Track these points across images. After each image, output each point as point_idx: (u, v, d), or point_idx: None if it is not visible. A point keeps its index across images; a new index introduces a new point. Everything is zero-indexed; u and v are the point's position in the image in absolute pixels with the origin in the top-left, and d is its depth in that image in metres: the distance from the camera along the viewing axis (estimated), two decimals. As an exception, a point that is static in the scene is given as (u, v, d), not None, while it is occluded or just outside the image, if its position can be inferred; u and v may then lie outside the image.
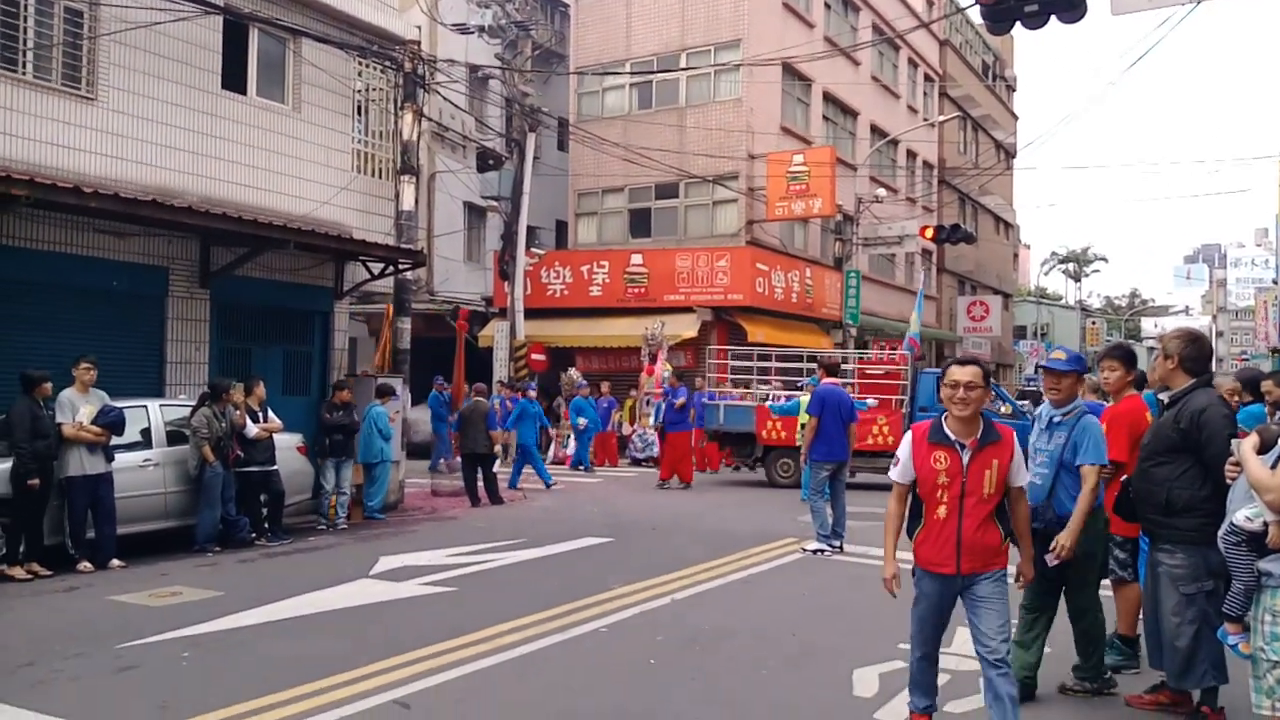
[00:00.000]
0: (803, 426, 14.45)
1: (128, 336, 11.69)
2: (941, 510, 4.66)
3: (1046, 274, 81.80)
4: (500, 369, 22.38)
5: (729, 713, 5.54)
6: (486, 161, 24.48)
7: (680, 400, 17.77)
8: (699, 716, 5.49)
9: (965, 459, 4.62)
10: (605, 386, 21.74)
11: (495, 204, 23.11)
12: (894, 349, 21.12)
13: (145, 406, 10.68)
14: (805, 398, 15.79)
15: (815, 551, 10.60)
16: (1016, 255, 57.52)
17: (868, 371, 18.07)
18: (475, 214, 26.91)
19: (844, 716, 5.53)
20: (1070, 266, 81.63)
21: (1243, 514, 4.35)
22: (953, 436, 4.65)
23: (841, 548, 10.74)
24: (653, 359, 22.07)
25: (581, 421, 20.05)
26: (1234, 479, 4.62)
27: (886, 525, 4.93)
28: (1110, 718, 5.55)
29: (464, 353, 18.49)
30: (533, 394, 18.05)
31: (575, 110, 27.49)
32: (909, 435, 4.87)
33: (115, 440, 9.80)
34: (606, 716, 5.44)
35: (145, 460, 10.42)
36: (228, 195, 12.41)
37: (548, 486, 16.54)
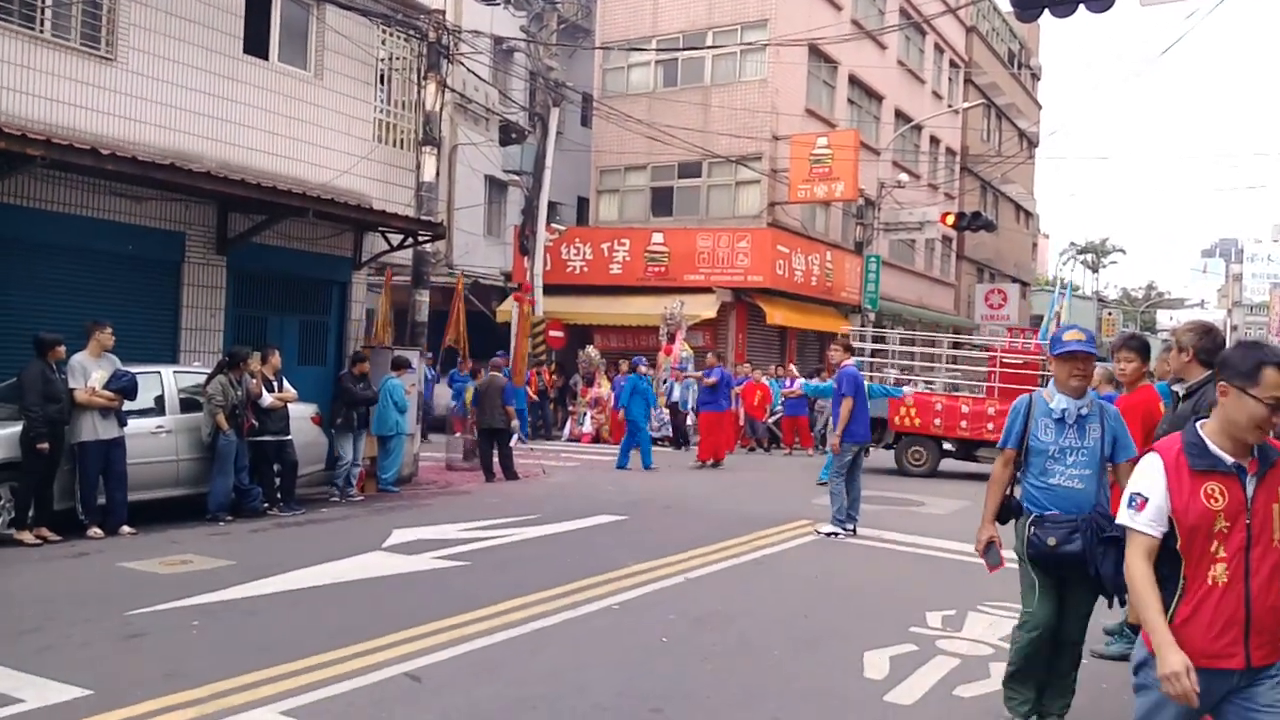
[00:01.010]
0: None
1: (142, 302, 11.61)
2: (1219, 571, 3.11)
3: (1065, 264, 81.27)
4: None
5: (740, 693, 5.47)
6: (509, 135, 24.32)
7: (712, 380, 17.71)
8: (710, 696, 5.41)
9: (1249, 490, 3.15)
10: (624, 366, 21.60)
11: (517, 178, 22.95)
12: (1029, 337, 20.37)
13: (159, 373, 10.61)
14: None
15: (829, 534, 10.51)
16: (1035, 244, 57.06)
17: (1005, 360, 17.36)
18: (496, 188, 26.79)
19: (854, 699, 5.47)
20: (1088, 257, 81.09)
21: None
22: (1230, 459, 3.18)
23: (855, 531, 10.64)
24: (671, 339, 21.95)
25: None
26: None
27: (1141, 598, 3.18)
28: (1123, 705, 5.42)
29: (525, 326, 18.47)
30: (643, 369, 18.26)
31: (600, 86, 27.30)
32: (1155, 462, 3.26)
33: (128, 406, 9.73)
34: (618, 694, 5.36)
35: (158, 427, 10.37)
36: (246, 161, 12.31)
37: (646, 468, 16.40)
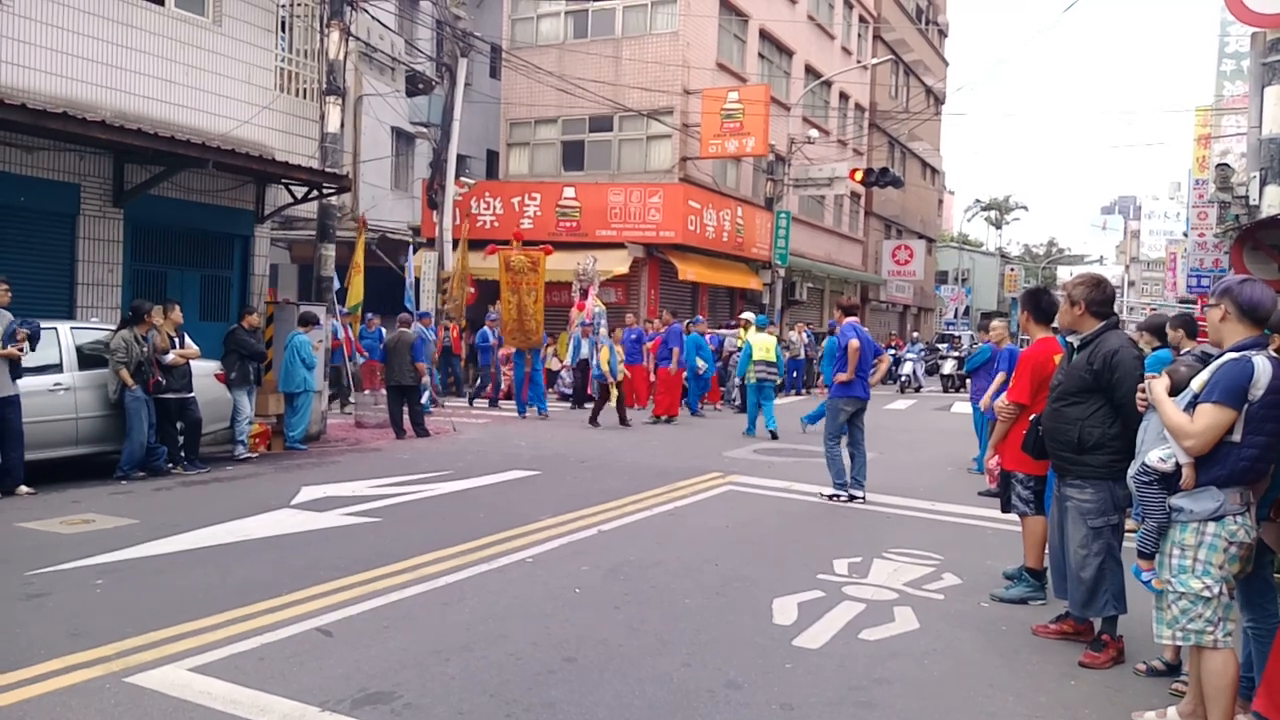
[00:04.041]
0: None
1: (36, 256, 11.23)
2: None
3: (969, 220, 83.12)
4: (427, 300, 22.05)
5: (653, 641, 5.57)
6: (416, 86, 23.83)
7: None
8: (624, 644, 5.51)
9: None
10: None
11: (424, 130, 22.58)
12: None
13: (55, 329, 10.27)
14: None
15: (831, 497, 10.21)
16: (941, 201, 58.22)
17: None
18: (403, 140, 26.32)
19: (764, 643, 5.60)
20: (992, 214, 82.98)
21: (1156, 455, 4.42)
22: None
23: (865, 498, 10.21)
24: (584, 295, 21.88)
25: (701, 364, 18.88)
26: (1144, 409, 4.72)
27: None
28: (1018, 646, 5.70)
29: (529, 280, 18.46)
30: (702, 327, 18.90)
31: (509, 36, 26.92)
32: None
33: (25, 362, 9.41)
34: (532, 644, 5.42)
35: (56, 384, 10.07)
36: (143, 110, 11.91)
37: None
